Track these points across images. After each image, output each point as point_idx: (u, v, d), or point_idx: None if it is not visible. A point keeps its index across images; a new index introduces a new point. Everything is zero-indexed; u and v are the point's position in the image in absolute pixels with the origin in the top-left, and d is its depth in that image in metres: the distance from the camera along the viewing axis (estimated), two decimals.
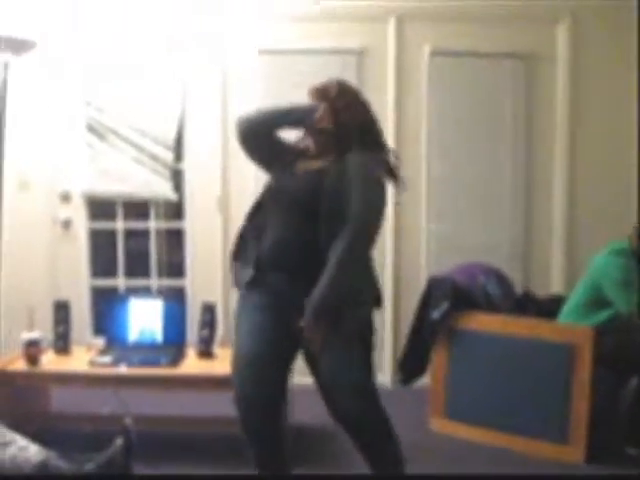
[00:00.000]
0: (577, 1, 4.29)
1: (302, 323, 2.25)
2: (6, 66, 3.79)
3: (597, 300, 3.37)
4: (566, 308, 3.49)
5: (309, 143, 2.46)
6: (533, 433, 3.29)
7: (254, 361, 2.32)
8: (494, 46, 4.31)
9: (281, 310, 2.36)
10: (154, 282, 4.53)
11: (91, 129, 4.37)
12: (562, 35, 4.34)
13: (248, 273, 2.42)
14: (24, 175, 4.32)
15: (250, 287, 2.42)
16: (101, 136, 4.37)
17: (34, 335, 3.21)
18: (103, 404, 3.49)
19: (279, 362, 2.38)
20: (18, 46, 3.72)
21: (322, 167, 2.37)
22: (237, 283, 2.50)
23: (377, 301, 2.48)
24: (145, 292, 4.41)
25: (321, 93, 2.43)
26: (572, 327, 3.35)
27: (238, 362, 2.36)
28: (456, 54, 4.33)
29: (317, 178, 2.35)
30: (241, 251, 2.50)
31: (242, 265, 2.47)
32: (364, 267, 2.41)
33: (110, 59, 4.34)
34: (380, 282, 2.53)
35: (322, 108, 2.39)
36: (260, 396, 2.31)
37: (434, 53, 4.31)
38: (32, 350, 3.19)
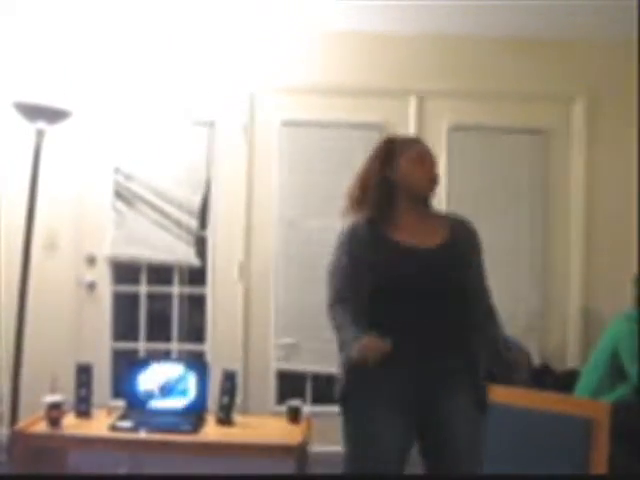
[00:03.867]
0: (592, 81, 4.44)
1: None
2: (40, 134, 3.92)
3: (614, 372, 3.39)
4: (583, 382, 3.50)
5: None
6: None
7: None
8: (512, 122, 4.45)
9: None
10: (175, 346, 4.58)
11: (119, 195, 4.50)
12: (578, 112, 4.47)
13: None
14: (51, 237, 4.43)
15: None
16: (128, 202, 4.49)
17: (56, 398, 3.25)
18: (119, 465, 3.52)
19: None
20: (53, 116, 3.87)
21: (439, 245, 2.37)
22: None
23: None
24: (167, 357, 4.47)
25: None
26: (590, 402, 3.36)
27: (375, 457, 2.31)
28: (475, 129, 4.46)
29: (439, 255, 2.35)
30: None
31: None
32: None
33: (139, 128, 4.50)
34: None
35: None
36: None
37: (453, 128, 4.43)
38: (54, 413, 3.23)
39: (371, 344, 2.15)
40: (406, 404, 2.31)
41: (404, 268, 2.30)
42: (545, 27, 4.27)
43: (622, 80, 4.42)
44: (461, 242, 2.43)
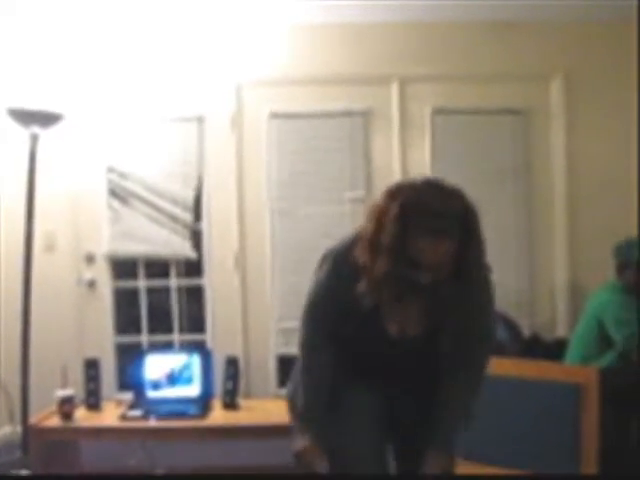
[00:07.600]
0: (568, 60, 4.54)
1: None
2: (34, 138, 3.99)
3: (600, 339, 3.53)
4: (572, 350, 3.64)
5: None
6: (545, 470, 3.40)
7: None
8: (492, 103, 4.55)
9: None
10: (176, 337, 4.69)
11: (113, 193, 4.60)
12: (555, 91, 4.57)
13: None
14: (50, 238, 4.53)
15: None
16: (123, 200, 4.59)
17: (68, 392, 3.37)
18: (131, 454, 3.64)
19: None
20: (46, 120, 3.94)
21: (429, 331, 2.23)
22: None
23: None
24: (171, 347, 4.58)
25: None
26: (579, 368, 3.49)
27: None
28: (456, 112, 4.56)
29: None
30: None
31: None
32: None
33: (129, 127, 4.59)
34: None
35: None
36: None
37: (436, 112, 4.54)
38: (66, 406, 3.35)
39: (307, 456, 2.22)
40: None
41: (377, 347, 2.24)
42: (520, 8, 4.35)
43: (599, 58, 4.51)
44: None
